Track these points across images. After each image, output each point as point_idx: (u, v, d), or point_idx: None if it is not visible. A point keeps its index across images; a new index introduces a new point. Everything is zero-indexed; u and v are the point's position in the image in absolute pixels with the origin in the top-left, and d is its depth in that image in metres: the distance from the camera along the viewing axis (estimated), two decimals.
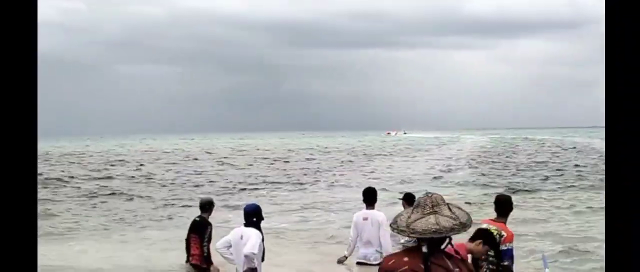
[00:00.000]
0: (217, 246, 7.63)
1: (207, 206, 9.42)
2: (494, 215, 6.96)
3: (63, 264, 12.37)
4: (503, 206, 6.85)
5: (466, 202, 19.08)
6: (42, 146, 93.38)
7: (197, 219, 9.56)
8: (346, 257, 9.79)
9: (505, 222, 6.77)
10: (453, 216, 3.49)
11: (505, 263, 6.44)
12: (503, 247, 6.46)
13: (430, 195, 3.61)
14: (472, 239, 5.96)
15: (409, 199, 12.33)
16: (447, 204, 3.56)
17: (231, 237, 7.49)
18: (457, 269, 3.55)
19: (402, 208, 12.04)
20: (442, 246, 3.56)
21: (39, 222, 17.81)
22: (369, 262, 9.41)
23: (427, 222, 3.48)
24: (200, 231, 9.16)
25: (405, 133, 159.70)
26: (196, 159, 51.87)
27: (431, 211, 3.52)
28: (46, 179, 30.81)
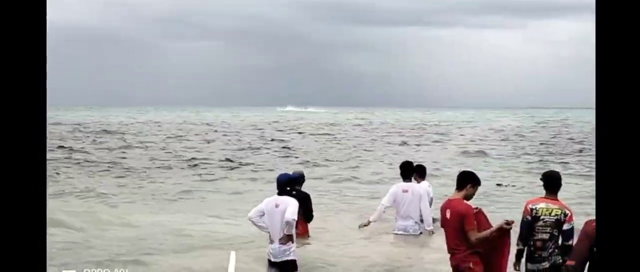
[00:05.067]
0: (250, 215, 7.66)
1: (299, 179, 10.03)
2: (539, 194, 6.57)
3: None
4: (554, 183, 6.41)
5: (497, 184, 18.42)
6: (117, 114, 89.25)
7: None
8: (369, 222, 9.82)
9: (557, 199, 6.34)
10: None
11: (569, 243, 6.04)
12: (567, 227, 6.16)
13: None
14: (459, 187, 6.01)
15: (419, 171, 12.00)
16: None
17: (264, 206, 7.54)
18: None
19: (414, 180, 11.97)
20: None
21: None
22: (408, 234, 9.65)
23: None
24: (300, 204, 9.54)
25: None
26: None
27: None
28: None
